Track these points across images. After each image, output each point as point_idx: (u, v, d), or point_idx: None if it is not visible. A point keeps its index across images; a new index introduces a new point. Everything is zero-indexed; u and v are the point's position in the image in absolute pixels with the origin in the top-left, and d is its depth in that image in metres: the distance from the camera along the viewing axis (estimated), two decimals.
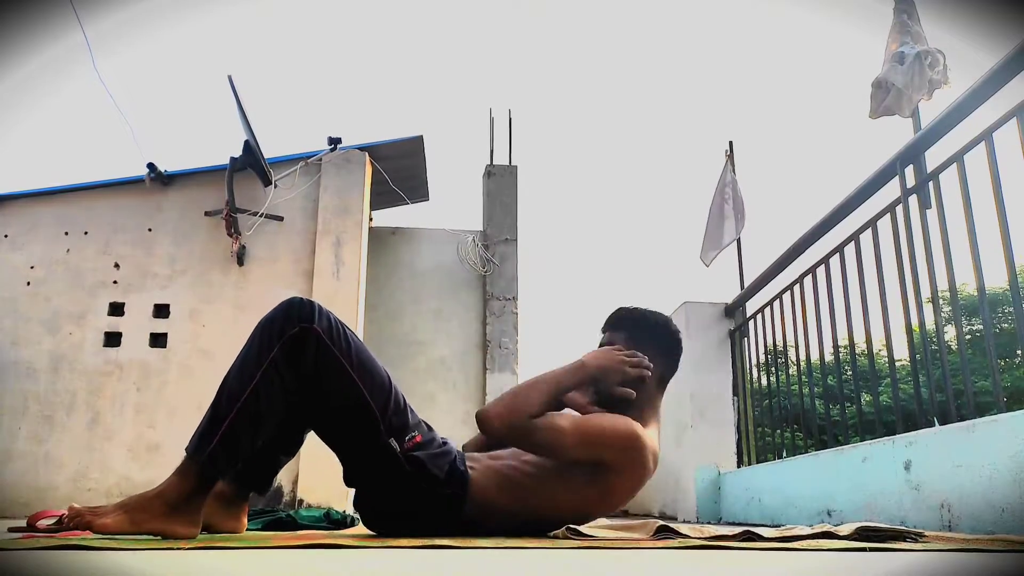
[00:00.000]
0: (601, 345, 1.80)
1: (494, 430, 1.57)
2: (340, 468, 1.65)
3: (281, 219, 4.65)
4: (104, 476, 4.19)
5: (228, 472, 1.50)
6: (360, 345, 1.59)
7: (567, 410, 1.66)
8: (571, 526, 1.58)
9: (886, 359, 2.87)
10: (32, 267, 4.53)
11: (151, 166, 4.60)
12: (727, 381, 4.14)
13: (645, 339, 1.75)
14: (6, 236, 4.59)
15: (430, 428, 1.66)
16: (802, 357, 3.30)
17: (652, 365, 1.70)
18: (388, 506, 1.59)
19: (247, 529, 1.82)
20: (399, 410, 1.59)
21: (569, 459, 1.57)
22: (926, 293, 2.36)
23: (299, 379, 1.52)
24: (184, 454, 1.47)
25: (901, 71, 3.51)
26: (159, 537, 1.39)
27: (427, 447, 1.58)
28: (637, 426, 1.58)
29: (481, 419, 1.58)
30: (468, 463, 1.64)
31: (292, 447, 1.74)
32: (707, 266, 5.62)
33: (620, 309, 1.83)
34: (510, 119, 6.39)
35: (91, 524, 1.36)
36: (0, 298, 4.46)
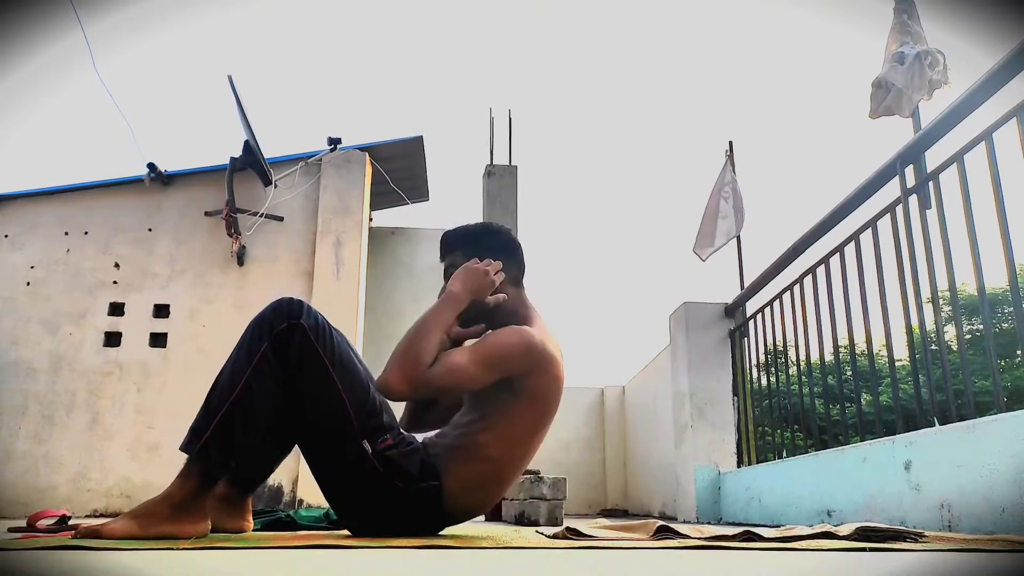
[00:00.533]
0: (447, 273, 1.79)
1: (400, 394, 1.53)
2: None
3: (281, 219, 4.65)
4: (104, 476, 4.19)
5: (222, 467, 1.50)
6: (344, 347, 1.60)
7: (467, 343, 1.66)
8: (571, 526, 1.58)
9: (886, 359, 2.87)
10: (32, 267, 4.53)
11: (151, 166, 4.60)
12: (727, 381, 4.14)
13: (480, 247, 1.76)
14: (6, 236, 4.59)
15: (401, 432, 1.66)
16: (802, 357, 3.30)
17: (500, 264, 1.72)
18: (371, 512, 1.59)
19: None
20: (374, 413, 1.59)
21: (481, 385, 1.56)
22: (926, 293, 2.36)
23: (287, 375, 1.54)
24: (185, 457, 1.48)
25: (901, 71, 3.50)
26: (170, 539, 1.39)
27: (398, 447, 1.59)
28: (523, 328, 1.60)
29: (383, 389, 1.53)
30: (433, 451, 1.63)
31: (287, 444, 1.74)
32: (703, 261, 5.62)
33: (444, 234, 1.84)
34: (510, 119, 6.39)
35: (99, 532, 1.36)
36: (0, 298, 4.46)
